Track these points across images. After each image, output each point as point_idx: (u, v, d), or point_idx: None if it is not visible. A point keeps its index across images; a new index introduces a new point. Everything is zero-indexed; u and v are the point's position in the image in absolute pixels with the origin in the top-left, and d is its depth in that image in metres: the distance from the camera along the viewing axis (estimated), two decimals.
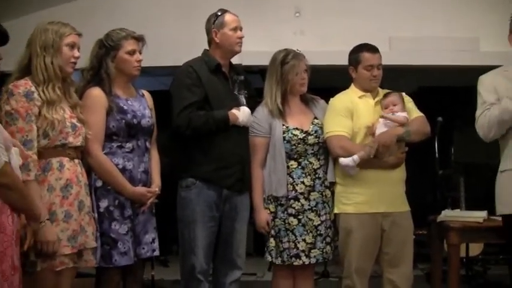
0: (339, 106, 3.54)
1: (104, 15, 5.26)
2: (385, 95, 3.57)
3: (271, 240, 3.51)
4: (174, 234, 3.53)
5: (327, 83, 4.82)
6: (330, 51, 5.22)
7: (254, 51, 5.13)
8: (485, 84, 3.28)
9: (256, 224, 3.54)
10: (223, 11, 3.52)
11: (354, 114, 3.51)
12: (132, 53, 3.18)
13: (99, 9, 5.45)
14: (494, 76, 3.30)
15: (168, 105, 3.42)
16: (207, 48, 3.56)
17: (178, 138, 3.41)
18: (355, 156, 3.37)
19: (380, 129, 3.46)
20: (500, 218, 3.79)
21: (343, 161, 3.39)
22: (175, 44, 5.22)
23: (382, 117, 3.47)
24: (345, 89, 3.67)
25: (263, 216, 3.50)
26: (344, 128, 3.47)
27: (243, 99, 3.50)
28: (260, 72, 4.77)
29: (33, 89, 2.82)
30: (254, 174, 3.51)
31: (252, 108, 3.55)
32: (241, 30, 3.51)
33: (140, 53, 3.22)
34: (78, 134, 2.95)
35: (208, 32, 3.53)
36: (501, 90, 3.20)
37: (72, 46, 2.94)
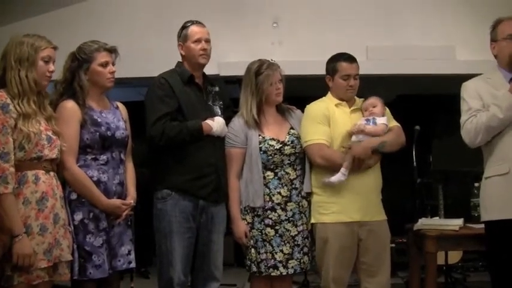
0: (315, 113, 3.55)
1: (79, 28, 5.24)
2: (365, 99, 3.59)
3: (253, 250, 3.50)
4: (154, 245, 3.49)
5: (305, 92, 4.83)
6: (307, 61, 5.25)
7: (232, 61, 5.16)
8: (469, 91, 3.29)
9: (234, 235, 3.53)
10: (191, 23, 3.52)
11: (331, 122, 3.52)
12: (105, 64, 3.16)
13: (75, 21, 5.44)
14: (477, 83, 3.31)
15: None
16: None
17: (153, 149, 3.40)
18: (343, 170, 3.37)
19: (358, 136, 3.47)
20: (476, 226, 3.83)
21: (334, 180, 3.38)
22: (151, 55, 5.22)
23: (361, 131, 3.46)
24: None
25: (241, 227, 3.49)
26: (323, 136, 3.48)
27: (217, 110, 3.51)
28: (239, 82, 4.78)
29: (8, 101, 2.80)
30: (231, 184, 3.50)
31: (229, 119, 3.55)
32: (207, 41, 3.51)
33: (113, 65, 3.21)
34: (54, 147, 2.93)
35: (178, 45, 3.54)
36: (486, 96, 3.21)
37: (48, 60, 2.92)
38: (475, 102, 3.23)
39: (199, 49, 3.47)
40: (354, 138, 3.48)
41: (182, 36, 3.50)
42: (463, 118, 3.26)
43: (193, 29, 3.49)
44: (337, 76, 3.56)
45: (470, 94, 3.27)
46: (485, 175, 3.26)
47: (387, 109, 3.64)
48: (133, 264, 3.23)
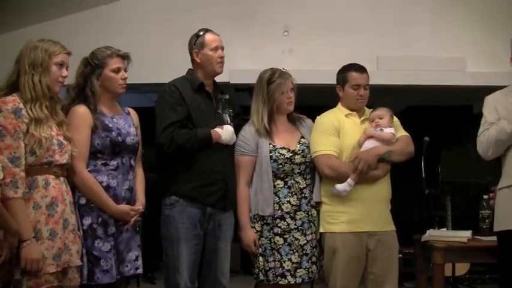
0: (325, 124, 3.56)
1: (90, 34, 5.26)
2: (373, 110, 3.59)
3: (261, 258, 3.50)
4: (161, 250, 3.50)
5: (315, 101, 4.84)
6: (318, 70, 5.27)
7: (243, 69, 5.18)
8: (488, 104, 3.36)
9: (242, 242, 3.53)
10: (205, 31, 3.53)
11: (341, 133, 3.53)
12: (117, 71, 3.18)
13: (86, 27, 5.47)
14: (497, 96, 3.37)
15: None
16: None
17: (161, 155, 3.41)
18: (350, 180, 3.38)
19: (366, 145, 3.48)
20: (484, 238, 3.83)
21: (339, 187, 3.39)
22: (162, 61, 5.24)
23: (369, 136, 3.47)
24: (332, 108, 3.68)
25: (250, 235, 3.49)
26: (332, 147, 3.48)
27: (227, 118, 3.50)
28: (249, 90, 4.80)
29: (21, 105, 2.81)
30: (240, 192, 3.50)
31: (239, 127, 3.55)
32: (222, 49, 3.52)
33: (126, 71, 3.23)
34: (64, 152, 2.94)
35: (190, 52, 3.54)
36: (501, 110, 3.27)
37: (61, 65, 2.93)
38: (491, 115, 3.29)
39: (217, 57, 3.48)
40: (363, 148, 3.48)
41: (198, 43, 3.49)
42: (479, 131, 3.33)
43: (210, 37, 3.50)
44: (347, 86, 3.57)
45: (488, 107, 3.34)
46: (498, 186, 3.32)
47: (396, 119, 3.65)
48: (140, 270, 3.24)
